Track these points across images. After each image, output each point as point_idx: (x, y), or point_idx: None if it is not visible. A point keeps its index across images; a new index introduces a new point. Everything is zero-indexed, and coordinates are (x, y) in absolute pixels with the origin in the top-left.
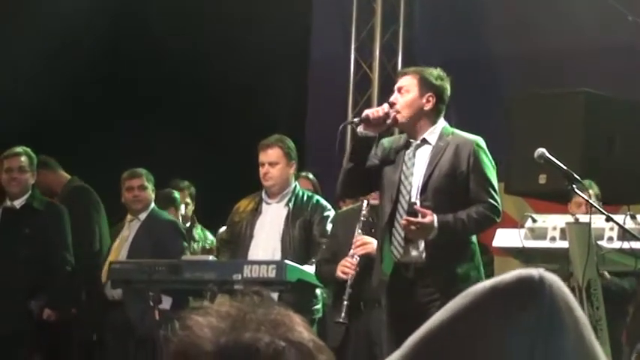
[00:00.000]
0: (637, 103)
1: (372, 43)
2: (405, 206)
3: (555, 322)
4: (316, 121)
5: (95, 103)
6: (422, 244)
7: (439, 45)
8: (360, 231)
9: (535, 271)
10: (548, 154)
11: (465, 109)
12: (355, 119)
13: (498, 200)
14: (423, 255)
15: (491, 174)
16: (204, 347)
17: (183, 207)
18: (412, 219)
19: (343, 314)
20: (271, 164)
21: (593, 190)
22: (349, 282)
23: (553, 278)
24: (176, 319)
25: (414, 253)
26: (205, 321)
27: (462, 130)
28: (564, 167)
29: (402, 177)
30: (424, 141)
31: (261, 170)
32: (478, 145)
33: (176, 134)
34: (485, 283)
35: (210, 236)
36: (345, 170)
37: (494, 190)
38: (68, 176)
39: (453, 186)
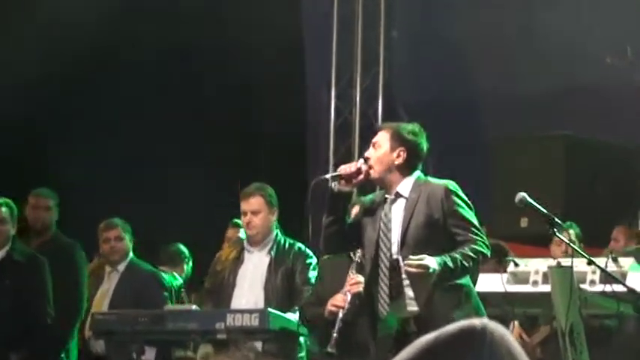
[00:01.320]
0: (616, 144)
1: (352, 89)
2: (387, 263)
3: None
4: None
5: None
6: (412, 300)
7: (417, 88)
8: (354, 271)
9: (478, 322)
10: (528, 198)
11: (445, 152)
12: (327, 176)
13: (484, 236)
14: (415, 308)
15: (469, 213)
16: None
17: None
18: (412, 262)
19: (332, 343)
20: (254, 213)
21: (574, 230)
22: (341, 315)
23: (496, 328)
24: None
25: (410, 308)
26: None
27: (440, 175)
28: (545, 211)
29: (381, 234)
30: (398, 195)
31: (244, 219)
32: (450, 189)
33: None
34: (430, 335)
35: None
36: (325, 225)
37: (476, 227)
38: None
39: (432, 235)
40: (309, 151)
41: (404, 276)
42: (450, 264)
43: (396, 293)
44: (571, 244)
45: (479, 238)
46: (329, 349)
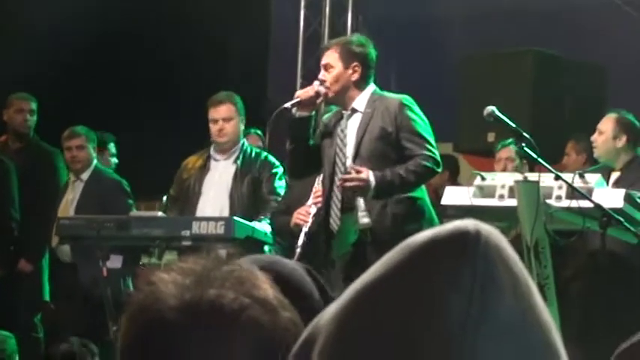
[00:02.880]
0: (587, 62)
1: (321, 1)
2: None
3: (491, 281)
4: (277, 79)
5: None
6: (365, 212)
7: (386, 3)
8: (320, 182)
9: (471, 224)
10: (497, 112)
11: (412, 70)
12: (287, 104)
13: (435, 151)
14: (367, 219)
15: (422, 127)
16: (168, 303)
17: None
18: (347, 176)
19: (296, 258)
20: (225, 120)
21: (514, 148)
22: (305, 229)
23: (489, 231)
24: (127, 276)
25: (364, 220)
26: (169, 277)
27: (408, 91)
28: (513, 125)
29: (337, 149)
30: (354, 110)
31: (214, 127)
32: (403, 103)
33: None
34: (420, 236)
35: None
36: (289, 152)
37: (429, 142)
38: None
39: (386, 148)
40: (271, 65)
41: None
42: (390, 178)
43: (348, 206)
44: (539, 159)
45: (429, 153)
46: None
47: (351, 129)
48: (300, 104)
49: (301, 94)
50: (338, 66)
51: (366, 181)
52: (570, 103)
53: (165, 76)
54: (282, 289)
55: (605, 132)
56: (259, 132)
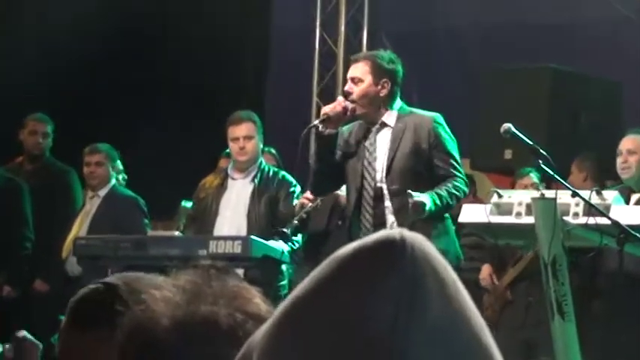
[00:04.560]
0: (602, 79)
1: (337, 18)
2: (371, 192)
3: (418, 285)
4: (278, 95)
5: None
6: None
7: (403, 19)
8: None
9: (397, 232)
10: (514, 129)
11: (430, 83)
12: (316, 122)
13: (463, 172)
14: None
15: (453, 148)
16: (160, 321)
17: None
18: (414, 199)
19: (293, 225)
20: (246, 138)
21: (535, 175)
22: (308, 207)
23: (416, 239)
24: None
25: None
26: (161, 295)
27: (423, 105)
28: (530, 142)
29: (366, 163)
30: (383, 124)
31: (235, 145)
32: (437, 122)
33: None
34: (348, 247)
35: None
36: (315, 171)
37: (459, 164)
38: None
39: (417, 165)
40: (270, 85)
41: (387, 204)
42: (439, 202)
43: (379, 221)
44: (555, 176)
45: (460, 175)
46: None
47: (380, 143)
48: (327, 121)
49: (329, 110)
50: (367, 80)
51: (424, 205)
52: (586, 119)
53: (177, 95)
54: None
55: (639, 152)
56: (273, 150)
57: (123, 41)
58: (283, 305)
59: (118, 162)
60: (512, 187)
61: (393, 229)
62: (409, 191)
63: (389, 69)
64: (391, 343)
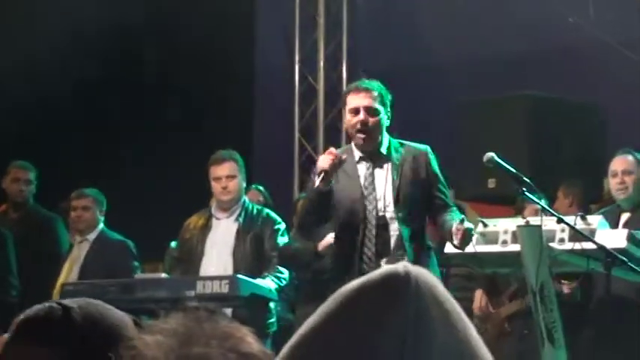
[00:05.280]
0: (584, 103)
1: (316, 55)
2: (374, 221)
3: (423, 319)
4: (264, 133)
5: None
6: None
7: (382, 54)
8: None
9: (400, 267)
10: (497, 158)
11: (411, 117)
12: (318, 182)
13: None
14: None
15: (444, 179)
16: None
17: None
18: (462, 227)
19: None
20: (228, 177)
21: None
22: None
23: (419, 272)
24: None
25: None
26: (152, 339)
27: (407, 139)
28: (513, 170)
29: (366, 192)
30: (379, 154)
31: (217, 185)
32: (430, 153)
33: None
34: (353, 283)
35: None
36: (306, 223)
37: (448, 194)
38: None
39: (418, 193)
40: (257, 120)
41: (392, 233)
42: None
43: (383, 250)
44: (540, 203)
45: (454, 207)
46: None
47: (378, 173)
48: (325, 176)
49: (326, 166)
50: (381, 111)
51: (471, 230)
52: (569, 144)
53: (158, 137)
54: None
55: (635, 171)
56: (261, 188)
57: (104, 80)
58: (290, 342)
59: None
60: (520, 212)
61: (397, 264)
62: (463, 216)
63: (390, 99)
64: None
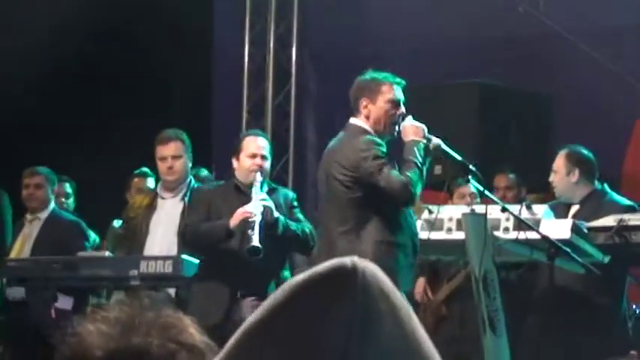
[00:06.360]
0: (533, 93)
1: (266, 35)
2: None
3: (370, 310)
4: (217, 111)
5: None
6: None
7: (332, 36)
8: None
9: (348, 260)
10: (443, 146)
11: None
12: (256, 242)
13: None
14: None
15: None
16: (94, 354)
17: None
18: None
19: (255, 239)
20: (174, 157)
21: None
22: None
23: (367, 265)
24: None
25: None
26: (94, 327)
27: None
28: (459, 158)
29: None
30: None
31: (163, 164)
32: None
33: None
34: (301, 276)
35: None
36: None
37: None
38: None
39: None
40: (214, 101)
41: None
42: None
43: None
44: (485, 191)
45: None
46: (254, 244)
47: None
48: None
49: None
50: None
51: None
52: (516, 133)
53: (110, 115)
54: None
55: (559, 170)
56: (204, 172)
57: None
58: (237, 333)
59: (67, 186)
60: (450, 197)
61: (343, 258)
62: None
63: None
64: None
